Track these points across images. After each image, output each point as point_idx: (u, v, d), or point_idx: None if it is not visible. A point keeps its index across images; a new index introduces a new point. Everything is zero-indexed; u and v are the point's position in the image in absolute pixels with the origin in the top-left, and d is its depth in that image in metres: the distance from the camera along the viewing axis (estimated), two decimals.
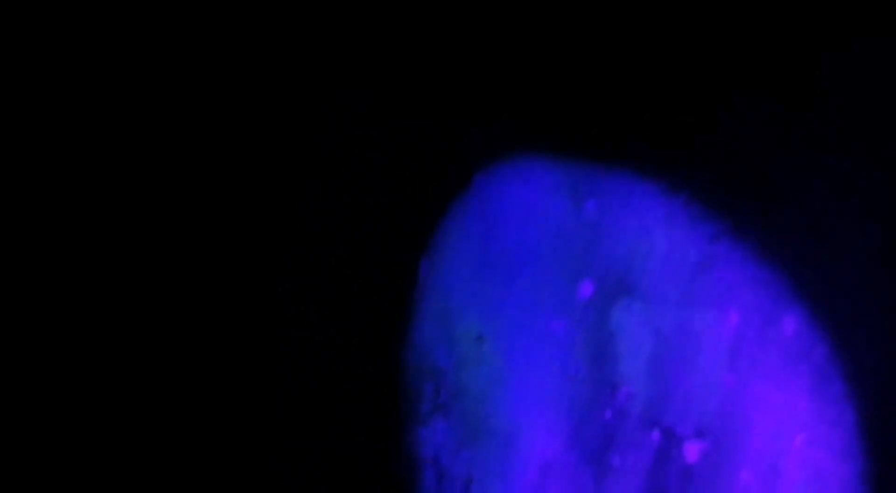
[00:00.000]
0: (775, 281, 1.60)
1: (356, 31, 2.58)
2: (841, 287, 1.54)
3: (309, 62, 2.64)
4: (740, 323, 1.64)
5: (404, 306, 2.60)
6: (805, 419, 1.55)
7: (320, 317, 2.80)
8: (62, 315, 2.63)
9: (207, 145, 2.67)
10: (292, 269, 2.77)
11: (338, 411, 2.79)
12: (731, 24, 1.75)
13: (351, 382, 2.77)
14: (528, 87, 2.18)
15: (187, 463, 2.66)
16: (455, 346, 2.39)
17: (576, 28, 2.08)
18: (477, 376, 2.32)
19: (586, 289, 1.97)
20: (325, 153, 2.74)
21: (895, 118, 1.49)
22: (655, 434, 1.80)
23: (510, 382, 2.21)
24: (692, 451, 1.73)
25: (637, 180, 1.89)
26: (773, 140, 1.67)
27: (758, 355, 1.61)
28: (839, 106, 1.56)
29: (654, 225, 1.82)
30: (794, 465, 1.56)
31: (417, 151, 2.53)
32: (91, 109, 2.60)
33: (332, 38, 2.63)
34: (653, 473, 1.81)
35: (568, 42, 2.09)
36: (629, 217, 1.87)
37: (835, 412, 1.51)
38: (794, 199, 1.64)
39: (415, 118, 2.50)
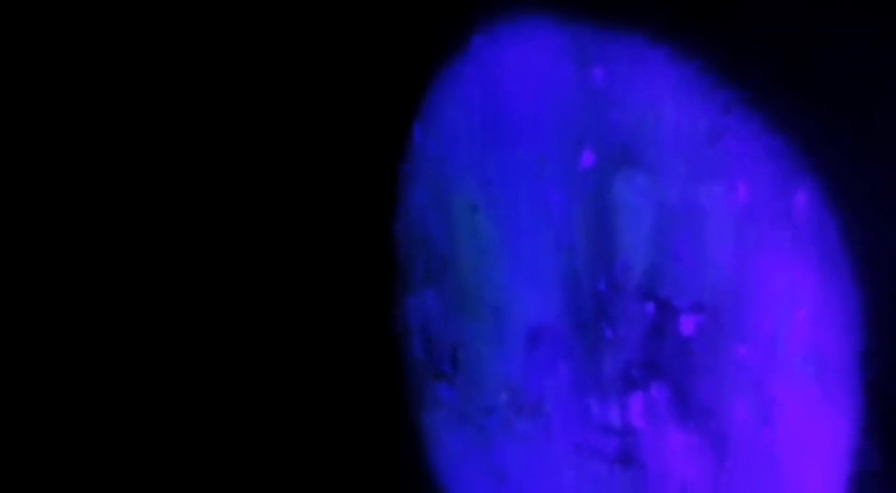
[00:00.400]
0: (788, 155, 1.54)
1: None
2: (857, 165, 1.48)
3: None
4: (749, 197, 1.59)
5: (394, 173, 2.54)
6: (809, 295, 1.52)
7: (310, 182, 2.73)
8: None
9: None
10: (284, 133, 2.68)
11: (327, 279, 2.76)
12: None
13: (340, 250, 2.73)
14: None
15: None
16: (447, 215, 2.34)
17: None
18: (469, 246, 2.28)
19: (587, 159, 1.90)
20: (317, 13, 2.62)
21: None
22: (650, 307, 1.78)
23: (502, 252, 2.18)
24: (688, 324, 1.71)
25: (647, 46, 1.80)
26: (792, 5, 1.57)
27: (765, 230, 1.57)
28: None
29: (664, 94, 1.74)
30: (794, 341, 1.55)
31: (411, 11, 2.41)
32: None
33: None
34: (646, 345, 1.80)
35: None
36: (637, 85, 1.78)
37: (840, 291, 1.48)
38: (812, 69, 1.56)
39: None
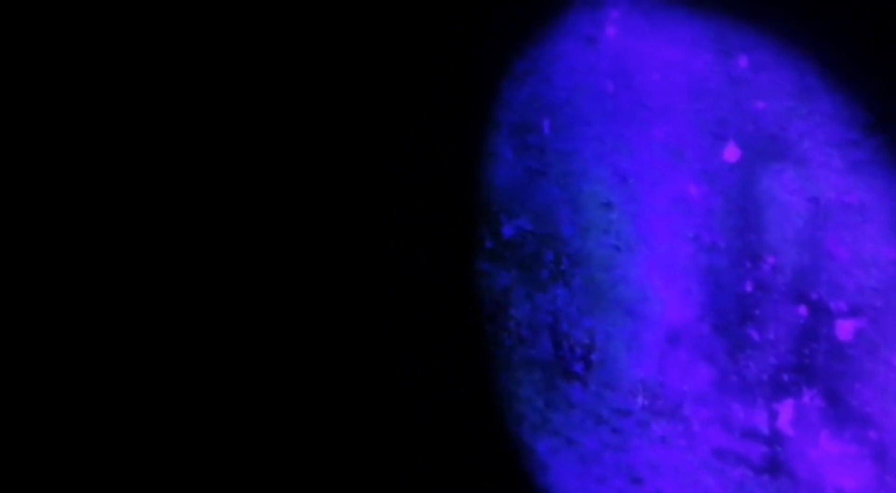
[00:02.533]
0: None
1: None
2: None
3: None
4: None
5: (521, 171, 2.48)
6: None
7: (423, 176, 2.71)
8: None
9: None
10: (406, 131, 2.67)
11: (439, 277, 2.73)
12: None
13: (460, 248, 2.70)
14: None
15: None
16: (579, 211, 2.27)
17: None
18: (602, 244, 2.20)
19: (731, 152, 1.79)
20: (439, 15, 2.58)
21: None
22: (802, 309, 1.66)
23: (638, 249, 2.09)
24: (845, 329, 1.58)
25: (795, 35, 1.67)
26: None
27: None
28: None
29: (815, 84, 1.61)
30: None
31: (538, 5, 2.35)
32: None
33: None
34: (797, 350, 1.68)
35: None
36: (785, 75, 1.66)
37: None
38: None
39: None
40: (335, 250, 2.70)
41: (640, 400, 2.10)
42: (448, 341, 2.76)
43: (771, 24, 1.71)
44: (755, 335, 1.76)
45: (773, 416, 1.73)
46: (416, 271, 2.76)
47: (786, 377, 1.70)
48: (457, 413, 2.73)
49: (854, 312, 1.56)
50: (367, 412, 2.72)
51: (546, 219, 2.39)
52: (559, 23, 2.29)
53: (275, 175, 2.63)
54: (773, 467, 1.75)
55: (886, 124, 1.51)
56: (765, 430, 1.76)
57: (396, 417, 2.74)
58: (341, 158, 2.67)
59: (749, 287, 1.76)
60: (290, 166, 2.64)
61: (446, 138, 2.69)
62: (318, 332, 2.70)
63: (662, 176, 1.98)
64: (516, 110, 2.50)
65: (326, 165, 2.66)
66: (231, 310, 2.65)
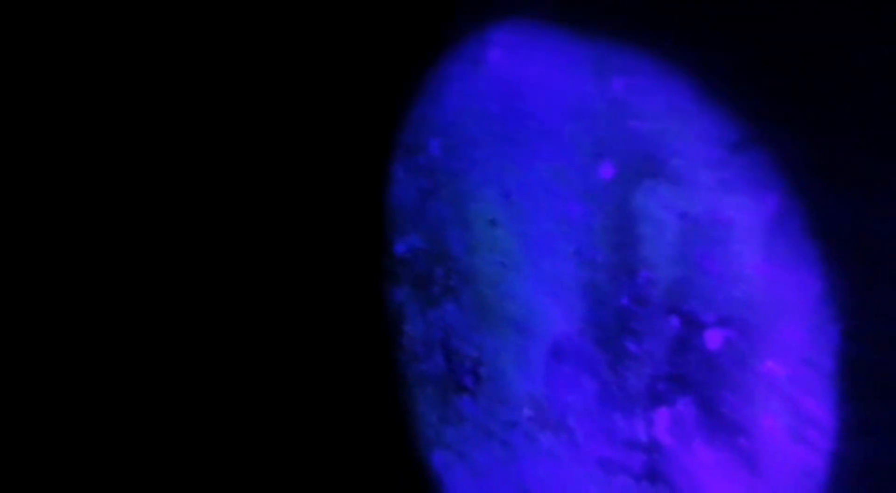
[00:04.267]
0: (822, 165, 1.44)
1: None
2: (883, 177, 1.38)
3: None
4: (778, 209, 1.49)
5: (411, 190, 2.46)
6: (845, 309, 1.42)
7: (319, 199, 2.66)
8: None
9: None
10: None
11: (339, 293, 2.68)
12: None
13: (354, 265, 2.66)
14: None
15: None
16: (468, 229, 2.26)
17: None
18: (489, 261, 2.19)
19: (607, 170, 1.81)
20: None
21: None
22: (675, 321, 1.68)
23: (523, 266, 2.08)
24: (714, 339, 1.60)
25: (670, 58, 1.70)
26: (832, 17, 1.48)
27: (796, 242, 1.46)
28: None
29: (687, 105, 1.64)
30: (827, 358, 1.44)
31: (425, 27, 2.34)
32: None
33: None
34: (670, 360, 1.70)
35: None
36: (659, 96, 1.69)
37: (886, 304, 1.37)
38: (841, 82, 1.46)
39: None
40: (228, 267, 2.62)
41: (526, 412, 2.09)
42: (346, 358, 2.70)
43: (645, 48, 1.73)
44: (633, 347, 1.77)
45: (651, 425, 1.74)
46: (312, 289, 2.70)
47: (661, 387, 1.72)
48: (354, 429, 2.67)
49: (723, 323, 1.58)
50: (262, 425, 2.63)
51: (437, 237, 2.38)
52: (446, 45, 2.29)
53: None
54: (652, 474, 1.76)
55: (752, 144, 1.54)
56: (643, 439, 1.77)
57: (292, 433, 2.67)
58: (234, 176, 2.60)
59: (626, 301, 1.77)
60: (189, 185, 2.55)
61: (340, 158, 2.65)
62: (217, 349, 2.62)
63: (545, 195, 1.98)
64: (407, 131, 2.49)
65: (224, 184, 2.59)
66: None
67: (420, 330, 2.49)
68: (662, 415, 1.72)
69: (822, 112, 1.44)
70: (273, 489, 2.63)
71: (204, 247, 2.58)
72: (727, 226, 1.57)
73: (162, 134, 2.52)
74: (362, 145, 2.62)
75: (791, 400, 1.50)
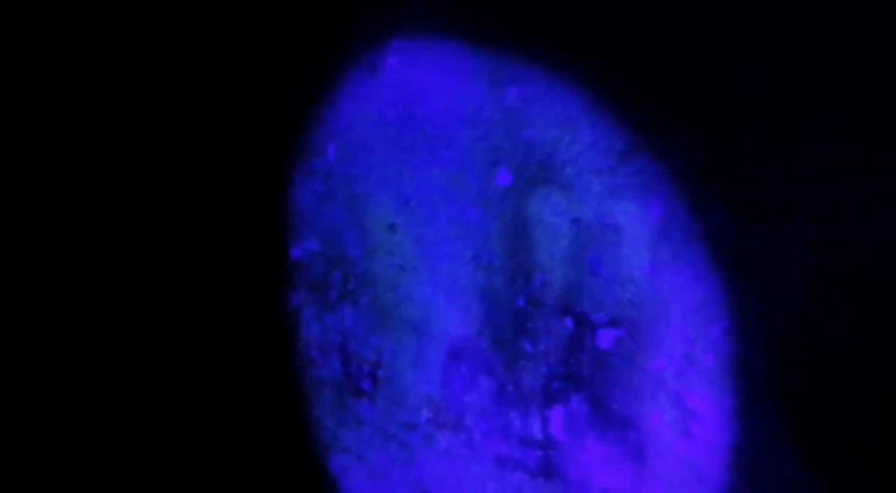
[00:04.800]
0: (704, 174, 1.54)
1: None
2: (772, 183, 1.49)
3: None
4: (664, 215, 1.58)
5: (308, 194, 2.46)
6: (726, 309, 1.52)
7: (215, 206, 2.63)
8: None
9: None
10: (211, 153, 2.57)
11: (235, 299, 2.66)
12: None
13: (250, 270, 2.64)
14: None
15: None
16: (365, 234, 2.28)
17: None
18: (388, 265, 2.22)
19: (504, 177, 1.86)
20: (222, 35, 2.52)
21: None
22: (568, 322, 1.75)
23: (422, 270, 2.12)
24: (605, 338, 1.68)
25: (561, 69, 1.78)
26: (712, 32, 1.57)
27: (680, 246, 1.56)
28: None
29: (579, 115, 1.72)
30: (709, 354, 1.54)
31: (319, 30, 2.35)
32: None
33: None
34: (565, 359, 1.77)
35: None
36: (552, 106, 1.76)
37: (758, 303, 1.48)
38: (723, 90, 1.56)
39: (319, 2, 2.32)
40: (124, 271, 2.55)
41: (425, 414, 2.13)
42: (240, 364, 2.67)
43: (537, 60, 1.80)
44: (528, 348, 1.84)
45: (546, 422, 1.81)
46: (206, 295, 2.66)
47: (556, 386, 1.79)
48: (249, 435, 2.64)
49: (613, 323, 1.66)
50: (158, 430, 2.57)
51: (334, 241, 2.38)
52: (343, 50, 2.30)
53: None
54: (547, 470, 1.83)
55: (638, 153, 1.63)
56: (539, 436, 1.83)
57: (186, 438, 2.62)
58: (131, 179, 2.53)
59: (522, 303, 1.84)
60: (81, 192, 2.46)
61: (234, 162, 2.62)
62: (107, 356, 2.54)
63: (443, 200, 2.03)
64: (304, 136, 2.48)
65: (121, 186, 2.51)
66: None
67: (317, 335, 2.49)
68: (557, 413, 1.79)
69: (704, 123, 1.54)
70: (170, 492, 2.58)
71: (101, 250, 2.50)
72: (616, 231, 1.65)
73: (58, 134, 2.43)
74: (259, 150, 2.60)
75: (676, 395, 1.59)
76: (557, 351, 1.77)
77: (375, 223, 2.24)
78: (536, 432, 1.83)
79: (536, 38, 1.80)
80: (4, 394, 2.42)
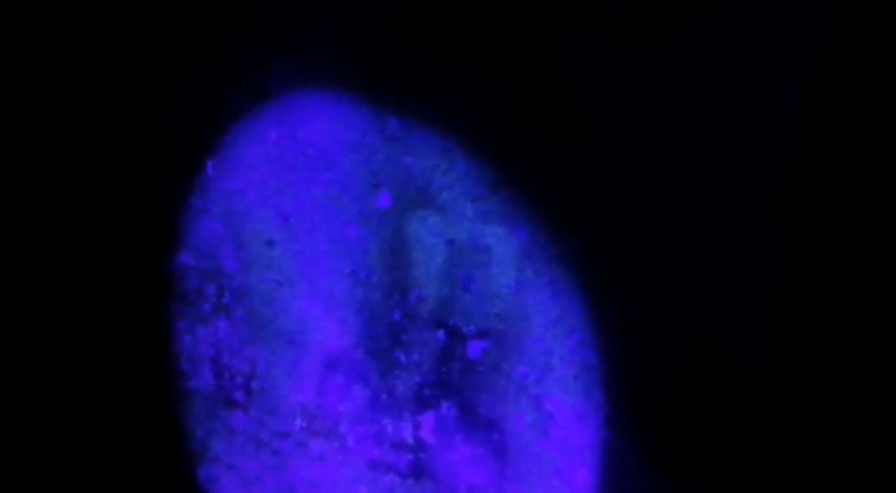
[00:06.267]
0: (561, 204, 1.79)
1: None
2: (621, 213, 1.76)
3: None
4: (528, 238, 1.82)
5: (183, 208, 2.55)
6: (580, 323, 1.77)
7: (91, 215, 2.67)
8: None
9: None
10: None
11: (107, 311, 2.70)
12: None
13: (122, 282, 2.68)
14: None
15: None
16: (242, 248, 2.40)
17: None
18: (264, 279, 2.35)
19: (384, 200, 2.06)
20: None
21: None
22: (441, 334, 1.96)
23: (300, 284, 2.27)
24: (475, 349, 1.91)
25: (437, 104, 1.99)
26: (589, 67, 1.83)
27: (542, 267, 1.80)
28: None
29: (454, 146, 1.94)
30: (566, 362, 1.79)
31: (205, 56, 2.46)
32: None
33: None
34: (436, 369, 1.98)
35: None
36: (430, 137, 1.97)
37: (606, 318, 1.74)
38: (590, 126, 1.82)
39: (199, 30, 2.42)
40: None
41: (298, 422, 2.28)
42: (105, 376, 2.70)
43: (416, 96, 2.01)
44: (403, 358, 2.03)
45: (417, 427, 2.01)
46: (72, 305, 2.68)
47: (427, 393, 1.99)
48: (113, 446, 2.68)
49: (482, 335, 1.89)
50: (23, 440, 2.57)
51: (209, 254, 2.48)
52: (224, 70, 2.42)
53: None
54: (418, 472, 2.02)
55: (506, 184, 1.87)
56: (410, 440, 2.03)
57: (48, 448, 2.62)
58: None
59: (398, 316, 2.03)
60: None
61: (102, 173, 2.66)
62: None
63: (323, 218, 2.19)
64: (178, 150, 2.57)
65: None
66: None
67: (187, 347, 2.58)
68: (428, 418, 1.99)
69: (562, 158, 1.80)
70: None
71: None
72: (486, 251, 1.89)
73: None
74: (129, 162, 2.65)
75: (536, 399, 1.84)
76: (430, 361, 1.98)
77: (253, 238, 2.36)
78: (408, 436, 2.03)
79: (415, 78, 2.01)
80: None
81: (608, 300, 1.74)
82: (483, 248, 1.88)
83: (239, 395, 2.43)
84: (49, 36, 2.51)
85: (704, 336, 1.66)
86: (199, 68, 2.46)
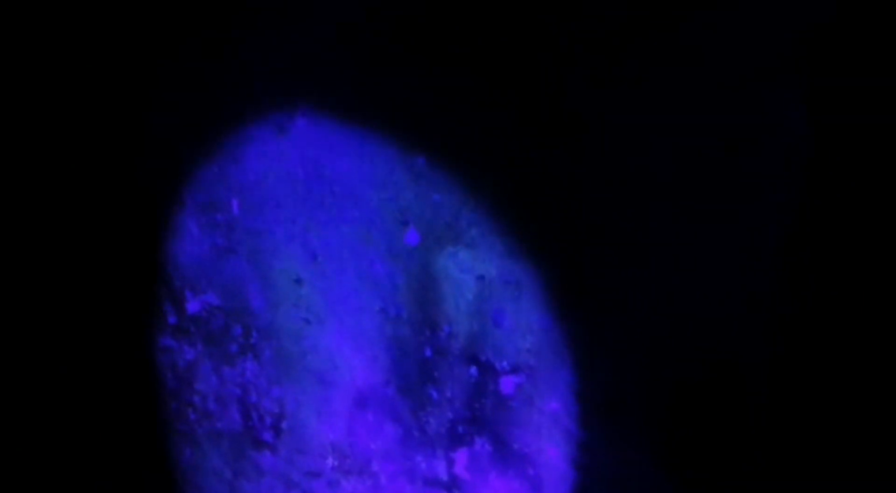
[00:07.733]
0: (584, 241, 1.85)
1: None
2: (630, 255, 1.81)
3: None
4: (554, 273, 1.88)
5: (206, 247, 2.62)
6: (607, 354, 1.82)
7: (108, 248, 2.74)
8: None
9: None
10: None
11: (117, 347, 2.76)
12: None
13: (136, 321, 2.75)
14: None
15: None
16: (269, 287, 2.46)
17: None
18: (292, 317, 2.41)
19: (412, 237, 2.12)
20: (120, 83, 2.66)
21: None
22: (473, 370, 2.01)
23: (328, 322, 2.33)
24: (508, 384, 1.96)
25: (465, 137, 2.06)
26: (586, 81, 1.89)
27: (565, 301, 1.86)
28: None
29: (481, 180, 2.01)
30: (596, 394, 1.84)
31: (225, 88, 2.53)
32: None
33: None
34: (469, 404, 2.03)
35: None
36: (458, 172, 2.04)
37: (627, 350, 1.79)
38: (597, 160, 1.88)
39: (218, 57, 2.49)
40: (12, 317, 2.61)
41: (330, 461, 2.32)
42: (126, 419, 2.76)
43: (440, 131, 2.08)
44: (434, 394, 2.08)
45: (451, 463, 2.05)
46: (91, 348, 2.75)
47: (461, 429, 2.04)
48: (138, 490, 2.73)
49: (514, 370, 1.94)
50: (36, 478, 2.62)
51: (235, 294, 2.55)
52: (250, 108, 2.50)
53: None
54: None
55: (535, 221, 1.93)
56: (444, 476, 2.07)
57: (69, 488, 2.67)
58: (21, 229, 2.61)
59: (429, 352, 2.09)
60: None
61: (125, 213, 2.74)
62: None
63: (351, 255, 2.26)
64: (203, 189, 2.65)
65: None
66: None
67: (214, 387, 2.64)
68: (462, 454, 2.03)
69: (558, 202, 1.86)
70: None
71: None
72: (516, 286, 1.94)
73: None
74: (144, 201, 2.72)
75: (568, 431, 1.88)
76: (462, 397, 2.03)
77: (280, 277, 2.43)
78: (442, 473, 2.07)
79: (434, 114, 2.08)
80: None
81: (628, 335, 1.79)
82: (513, 283, 1.94)
83: (268, 435, 2.48)
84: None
85: (715, 351, 1.70)
86: (215, 109, 2.54)
